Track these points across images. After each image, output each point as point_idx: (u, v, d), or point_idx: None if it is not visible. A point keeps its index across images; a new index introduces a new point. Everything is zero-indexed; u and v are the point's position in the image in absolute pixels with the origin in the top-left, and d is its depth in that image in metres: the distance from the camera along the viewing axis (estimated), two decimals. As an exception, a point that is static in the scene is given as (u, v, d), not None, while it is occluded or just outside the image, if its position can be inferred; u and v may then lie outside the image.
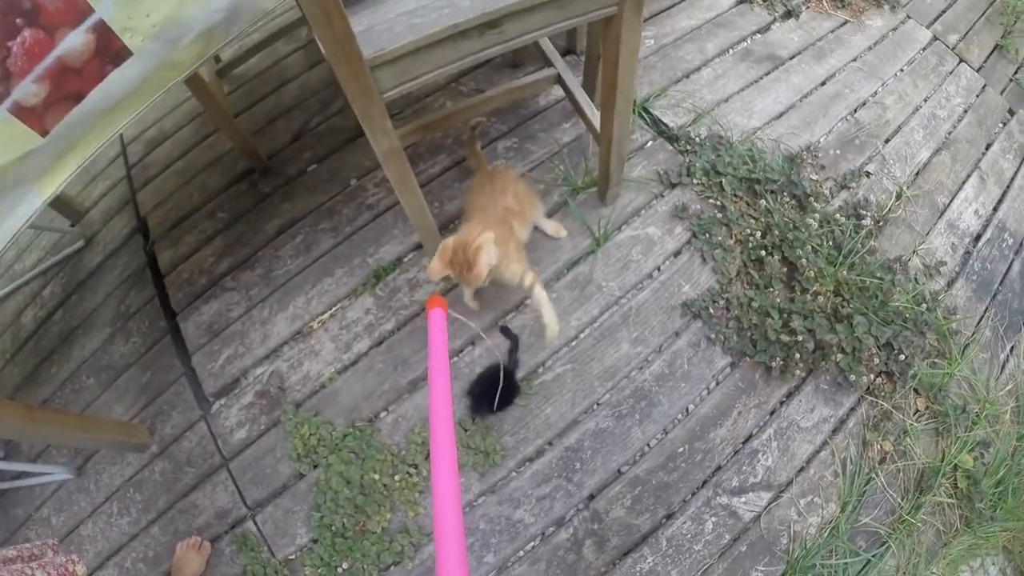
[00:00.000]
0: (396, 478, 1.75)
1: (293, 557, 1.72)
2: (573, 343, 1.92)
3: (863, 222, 2.11)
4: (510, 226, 1.73)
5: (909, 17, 2.89)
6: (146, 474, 1.95)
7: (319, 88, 2.67)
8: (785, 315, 1.87)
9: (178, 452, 1.95)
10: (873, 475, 1.80)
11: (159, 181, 2.57)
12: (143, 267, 2.36)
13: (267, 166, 2.45)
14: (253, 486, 1.84)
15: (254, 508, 1.81)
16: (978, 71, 2.80)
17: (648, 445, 1.78)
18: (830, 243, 2.04)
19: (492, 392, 1.71)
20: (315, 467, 1.82)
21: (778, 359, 1.85)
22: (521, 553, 1.67)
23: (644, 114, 2.38)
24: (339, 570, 1.69)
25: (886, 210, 2.20)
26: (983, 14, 3.07)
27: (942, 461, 1.84)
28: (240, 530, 1.79)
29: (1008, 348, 2.11)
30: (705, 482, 1.75)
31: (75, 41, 1.04)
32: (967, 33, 2.95)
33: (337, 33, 1.05)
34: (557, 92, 2.41)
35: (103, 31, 1.06)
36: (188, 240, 2.34)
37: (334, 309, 2.09)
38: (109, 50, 1.09)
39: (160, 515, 1.87)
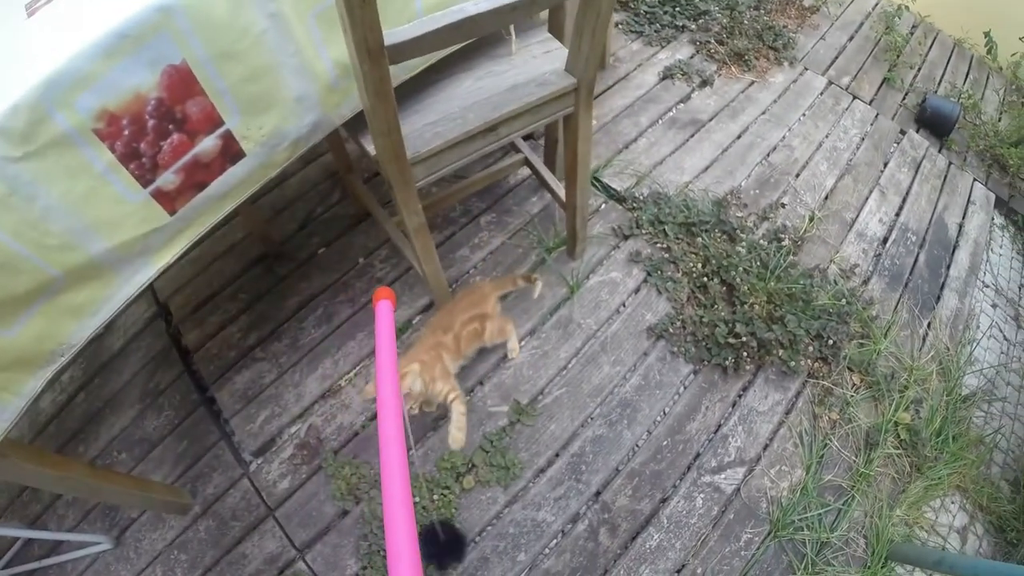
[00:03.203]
0: (434, 498, 1.98)
1: (344, 588, 1.90)
2: (564, 371, 2.25)
3: (783, 244, 2.55)
4: (439, 355, 1.98)
5: (807, 69, 3.41)
6: (190, 534, 2.06)
7: (318, 181, 2.91)
8: (730, 325, 2.27)
9: (222, 509, 2.08)
10: (827, 441, 2.16)
11: (175, 270, 2.63)
12: (168, 347, 2.50)
13: (280, 251, 2.64)
14: (300, 529, 2.00)
15: (303, 549, 1.97)
16: (870, 103, 3.32)
17: (637, 444, 2.11)
18: (758, 263, 2.45)
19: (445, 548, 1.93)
20: (358, 502, 2.01)
21: (730, 359, 2.23)
22: (547, 550, 1.93)
23: (596, 182, 2.76)
24: (391, 589, 1.92)
25: (802, 231, 2.65)
26: (870, 54, 3.63)
27: (883, 420, 2.20)
28: (291, 571, 1.93)
29: (926, 324, 2.53)
30: (689, 466, 2.08)
31: (208, 144, 1.33)
32: (857, 73, 3.49)
33: (394, 142, 1.43)
34: (524, 171, 2.78)
35: (228, 138, 1.35)
36: (213, 320, 2.51)
37: (359, 367, 2.31)
38: (230, 151, 1.38)
39: (208, 570, 1.98)
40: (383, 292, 1.40)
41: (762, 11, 3.72)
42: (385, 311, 1.35)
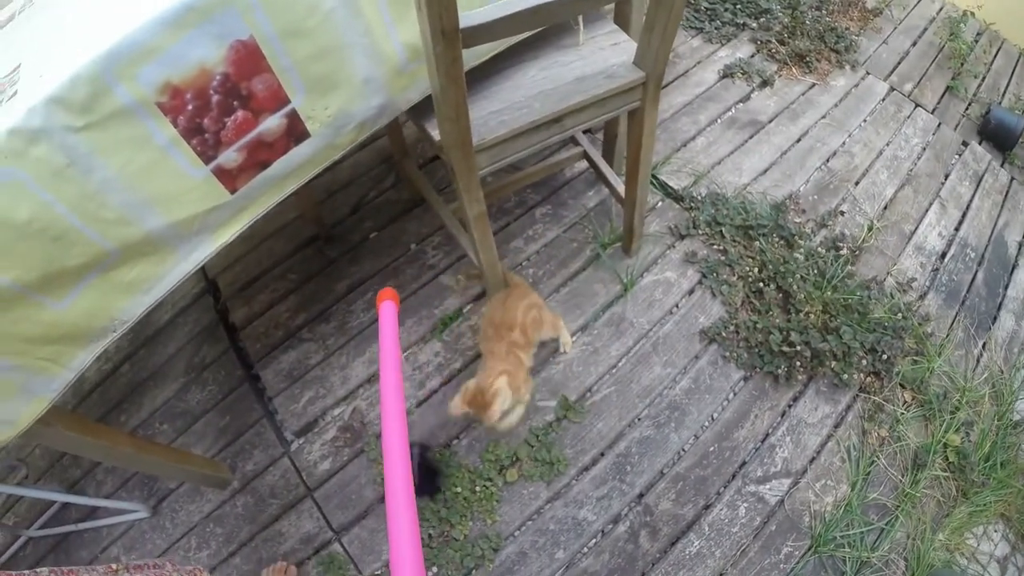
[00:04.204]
0: (476, 490, 1.93)
1: (379, 572, 1.86)
2: (614, 370, 2.16)
3: (841, 252, 2.40)
4: (517, 357, 1.89)
5: (868, 73, 3.22)
6: (227, 509, 2.04)
7: (371, 166, 2.83)
8: (784, 332, 2.15)
9: (261, 486, 2.06)
10: (875, 458, 2.03)
11: (225, 248, 2.65)
12: (215, 323, 2.47)
13: (331, 234, 2.59)
14: (338, 511, 1.96)
15: (339, 531, 1.93)
16: (932, 112, 3.12)
17: (684, 448, 2.02)
18: (815, 272, 2.31)
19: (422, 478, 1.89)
20: None
21: (782, 368, 2.11)
22: (586, 549, 1.86)
23: (653, 180, 2.62)
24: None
25: (860, 241, 2.50)
26: (933, 61, 3.40)
27: (932, 440, 2.06)
28: (326, 552, 1.90)
29: (981, 344, 2.36)
30: (735, 474, 1.98)
31: (272, 123, 1.29)
32: (920, 80, 3.27)
33: (461, 127, 1.37)
34: (580, 165, 2.67)
35: (293, 117, 1.31)
36: (261, 298, 2.47)
37: (407, 353, 2.24)
38: (295, 131, 1.33)
39: (243, 545, 1.96)
40: (386, 293, 1.38)
41: (824, 12, 3.51)
42: (388, 312, 1.33)
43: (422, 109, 1.56)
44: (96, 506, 2.07)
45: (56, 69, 1.04)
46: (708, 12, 3.43)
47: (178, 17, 1.07)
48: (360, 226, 2.65)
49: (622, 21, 1.90)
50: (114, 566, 1.35)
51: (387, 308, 1.34)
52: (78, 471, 2.25)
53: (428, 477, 1.94)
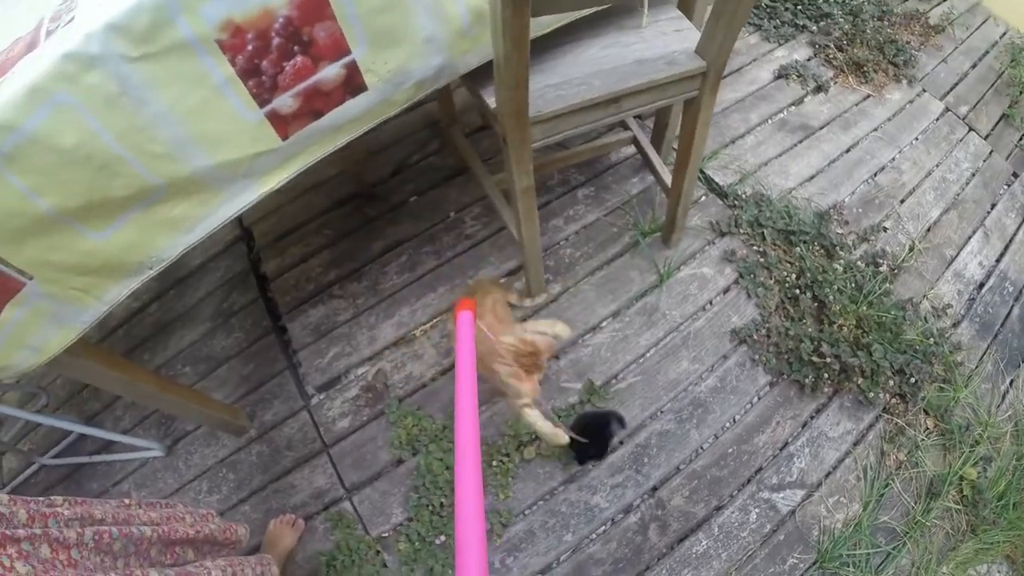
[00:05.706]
0: (492, 463, 1.90)
1: (386, 535, 1.84)
2: (642, 359, 2.11)
3: (880, 269, 2.32)
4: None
5: (924, 91, 3.09)
6: (242, 456, 2.03)
7: (416, 129, 2.76)
8: (815, 342, 2.08)
9: (278, 437, 2.04)
10: (890, 481, 1.97)
11: (264, 197, 2.60)
12: (246, 271, 2.44)
13: (371, 193, 2.54)
14: (352, 470, 1.95)
15: (351, 490, 1.92)
16: (986, 138, 2.99)
17: (703, 446, 1.97)
18: (852, 285, 2.24)
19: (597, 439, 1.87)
20: (415, 454, 1.94)
21: (809, 378, 2.04)
22: (595, 535, 1.83)
23: (700, 173, 2.54)
24: (435, 544, 1.81)
25: (900, 260, 2.41)
26: (992, 86, 3.26)
27: (949, 471, 2.00)
28: (336, 509, 1.89)
29: (1008, 381, 2.27)
30: (750, 479, 1.93)
31: (331, 72, 1.23)
32: (977, 104, 3.13)
33: (519, 97, 1.31)
34: (626, 150, 2.60)
35: (352, 68, 1.25)
36: (294, 251, 2.43)
37: (436, 320, 2.21)
38: (352, 83, 1.28)
39: (253, 494, 1.95)
40: (465, 304, 1.39)
41: (886, 22, 3.38)
42: (466, 322, 1.33)
43: (478, 76, 1.51)
44: (112, 440, 2.06)
45: (116, -2, 0.99)
46: (768, 10, 3.31)
47: (247, -47, 1.01)
48: (401, 188, 2.60)
49: (686, 7, 1.83)
50: (127, 500, 1.33)
51: (465, 318, 1.34)
52: (97, 404, 2.24)
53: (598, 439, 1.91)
